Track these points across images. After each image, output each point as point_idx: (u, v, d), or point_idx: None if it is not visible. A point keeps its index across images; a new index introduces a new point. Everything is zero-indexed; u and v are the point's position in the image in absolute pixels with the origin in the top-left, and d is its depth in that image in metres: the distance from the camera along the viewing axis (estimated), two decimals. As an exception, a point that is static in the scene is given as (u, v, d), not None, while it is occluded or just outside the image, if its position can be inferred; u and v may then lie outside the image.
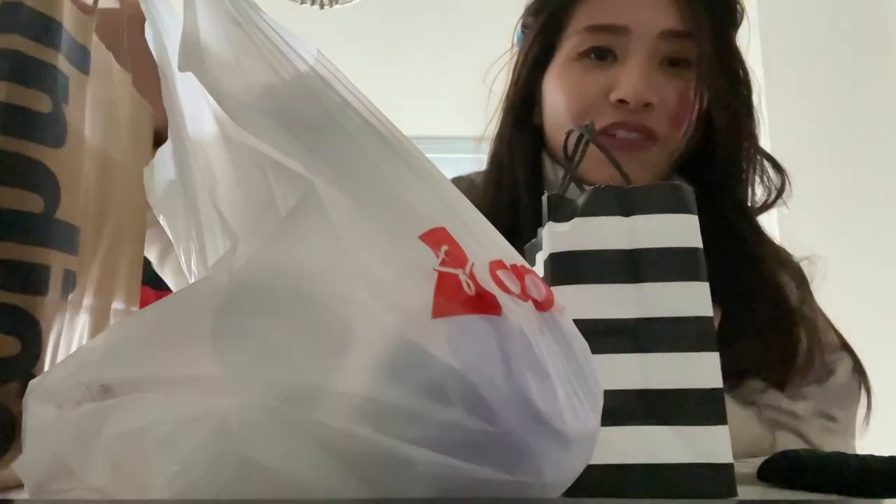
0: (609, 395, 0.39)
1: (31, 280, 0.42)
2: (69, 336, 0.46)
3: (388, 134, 0.36)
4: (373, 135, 0.35)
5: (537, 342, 0.31)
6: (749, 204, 0.74)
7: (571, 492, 0.39)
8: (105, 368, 0.30)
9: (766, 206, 0.74)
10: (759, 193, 0.74)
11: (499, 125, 0.79)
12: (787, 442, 0.62)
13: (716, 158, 0.71)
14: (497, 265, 0.32)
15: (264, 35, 0.35)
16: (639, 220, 0.44)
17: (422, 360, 0.28)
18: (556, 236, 0.44)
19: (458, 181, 0.81)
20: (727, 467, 0.39)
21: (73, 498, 0.29)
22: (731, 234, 0.69)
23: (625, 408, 0.40)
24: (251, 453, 0.27)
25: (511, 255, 0.34)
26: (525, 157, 0.74)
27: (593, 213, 0.44)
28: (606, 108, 0.68)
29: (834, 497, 0.39)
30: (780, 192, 0.73)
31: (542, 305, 0.33)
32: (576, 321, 0.39)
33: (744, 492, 0.43)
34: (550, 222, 0.45)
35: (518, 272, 0.33)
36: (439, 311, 0.29)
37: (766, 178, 0.73)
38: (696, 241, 0.44)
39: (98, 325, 0.50)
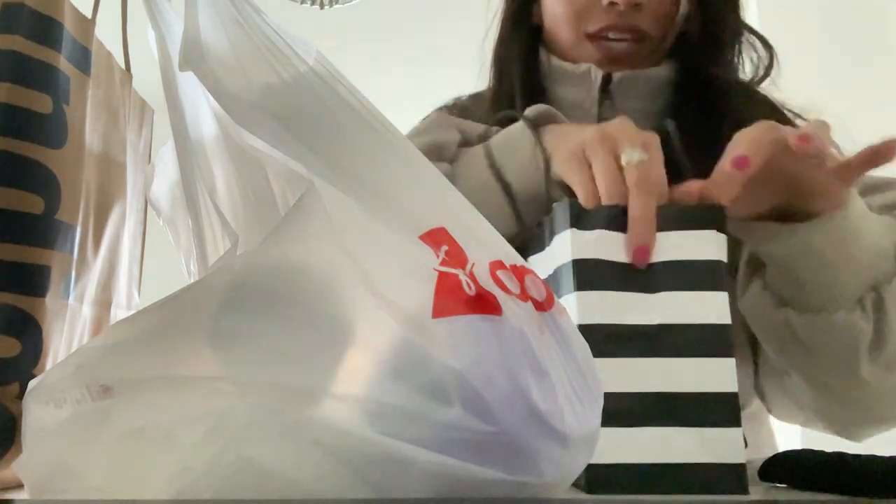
0: (630, 397, 0.42)
1: (32, 281, 0.42)
2: (69, 336, 0.46)
3: (388, 134, 0.36)
4: (373, 135, 0.35)
5: (537, 342, 0.31)
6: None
7: (592, 489, 0.41)
8: (105, 368, 0.30)
9: (754, 83, 0.77)
10: (748, 70, 0.78)
11: (499, 27, 0.83)
12: None
13: (704, 38, 0.75)
14: (497, 265, 0.32)
15: (265, 35, 0.36)
16: (669, 237, 0.46)
17: (422, 360, 0.28)
18: (582, 244, 0.45)
19: (451, 108, 0.85)
20: (741, 467, 0.42)
21: (73, 498, 0.29)
22: (723, 101, 0.73)
23: (646, 410, 0.42)
24: (251, 453, 0.27)
25: (511, 255, 0.34)
26: (523, 53, 0.79)
27: (618, 230, 0.46)
28: (598, 11, 0.72)
29: (835, 497, 0.39)
30: (769, 68, 0.76)
31: (542, 306, 0.33)
32: (597, 325, 0.42)
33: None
34: (574, 229, 0.46)
35: (518, 272, 0.33)
36: (439, 311, 0.29)
37: (753, 56, 0.77)
38: (720, 254, 0.46)
39: (98, 325, 0.50)
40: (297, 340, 0.28)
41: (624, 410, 0.42)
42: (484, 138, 0.70)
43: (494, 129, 0.71)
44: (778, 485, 0.44)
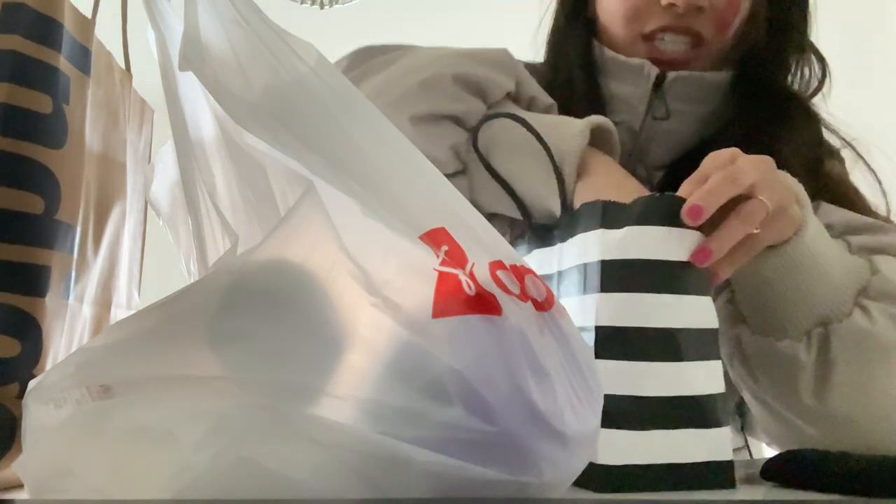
0: (634, 400, 0.43)
1: (32, 281, 0.42)
2: (69, 336, 0.46)
3: (388, 134, 0.36)
4: (373, 135, 0.35)
5: (537, 342, 0.31)
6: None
7: (601, 489, 0.42)
8: (105, 368, 0.30)
9: (807, 97, 0.76)
10: (800, 85, 0.76)
11: (553, 20, 0.82)
12: (889, 263, 0.59)
13: (769, 48, 0.72)
14: (497, 265, 0.32)
15: (265, 35, 0.36)
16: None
17: (422, 359, 0.28)
18: (609, 244, 0.46)
19: (526, 66, 0.83)
20: (729, 464, 0.44)
21: (73, 498, 0.29)
22: (780, 120, 0.71)
23: (649, 412, 0.43)
24: (251, 453, 0.27)
25: (511, 255, 0.34)
26: (579, 46, 0.77)
27: (647, 223, 0.46)
28: (656, 10, 0.69)
29: (837, 497, 0.39)
30: (822, 83, 0.74)
31: (542, 306, 0.33)
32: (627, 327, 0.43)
33: (747, 491, 0.44)
34: (603, 229, 0.46)
35: (518, 272, 0.33)
36: (439, 311, 0.29)
37: (807, 72, 0.75)
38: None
39: (98, 325, 0.50)
40: (297, 340, 0.28)
41: (635, 413, 0.43)
42: (547, 112, 0.69)
43: (556, 110, 0.70)
44: (780, 485, 0.44)
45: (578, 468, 0.33)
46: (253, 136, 0.33)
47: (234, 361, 0.29)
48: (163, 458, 0.28)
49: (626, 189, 0.58)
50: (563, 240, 0.51)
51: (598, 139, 0.63)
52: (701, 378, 0.45)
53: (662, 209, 0.46)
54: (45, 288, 0.42)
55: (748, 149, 0.53)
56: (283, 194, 0.36)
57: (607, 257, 0.45)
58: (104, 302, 0.51)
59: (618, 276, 0.45)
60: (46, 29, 0.44)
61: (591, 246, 0.47)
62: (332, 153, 0.33)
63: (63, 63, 0.45)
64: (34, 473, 0.30)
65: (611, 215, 0.46)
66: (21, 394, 0.39)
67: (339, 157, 0.33)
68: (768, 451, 0.82)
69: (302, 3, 1.89)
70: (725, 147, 0.53)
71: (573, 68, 0.76)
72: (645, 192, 0.59)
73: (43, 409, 0.31)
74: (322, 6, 1.94)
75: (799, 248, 0.54)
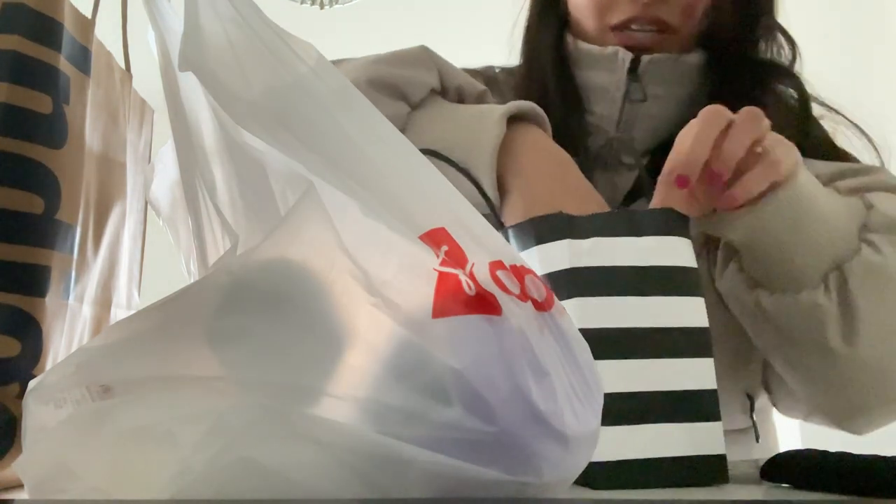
0: (622, 397, 0.44)
1: (32, 281, 0.42)
2: (69, 336, 0.46)
3: (388, 134, 0.36)
4: (373, 135, 0.35)
5: (537, 342, 0.31)
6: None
7: (598, 486, 0.42)
8: (105, 368, 0.30)
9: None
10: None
11: (527, 17, 0.84)
12: (883, 199, 0.60)
13: (738, 28, 0.74)
14: (497, 265, 0.32)
15: (264, 35, 0.36)
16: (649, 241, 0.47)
17: (422, 359, 0.28)
18: (580, 253, 0.47)
19: (476, 73, 0.85)
20: (721, 458, 0.45)
21: (73, 498, 0.29)
22: (760, 79, 0.73)
23: (640, 409, 0.44)
24: (251, 453, 0.27)
25: (511, 255, 0.34)
26: (551, 41, 0.79)
27: (611, 234, 0.47)
28: (623, 2, 0.71)
29: (837, 497, 0.39)
30: (792, 63, 0.76)
31: (542, 306, 0.33)
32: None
33: (747, 491, 0.44)
34: (570, 240, 0.47)
35: (518, 272, 0.33)
36: (439, 311, 0.29)
37: (778, 51, 0.77)
38: (692, 261, 0.48)
39: (98, 325, 0.50)
40: (297, 340, 0.28)
41: (623, 409, 0.44)
42: (479, 101, 0.70)
43: (490, 96, 0.71)
44: (780, 485, 0.44)
45: (578, 468, 0.33)
46: (253, 135, 0.33)
47: (234, 361, 0.29)
48: (163, 458, 0.28)
49: (556, 192, 0.58)
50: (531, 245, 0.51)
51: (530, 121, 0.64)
52: (691, 374, 0.46)
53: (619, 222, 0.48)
54: (45, 288, 0.42)
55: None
56: (283, 194, 0.36)
57: (576, 265, 0.46)
58: (104, 302, 0.51)
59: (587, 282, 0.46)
60: (46, 29, 0.44)
61: (560, 255, 0.48)
62: (331, 153, 0.33)
63: (63, 63, 0.45)
64: (34, 473, 0.30)
65: (576, 228, 0.47)
66: (21, 394, 0.39)
67: (339, 157, 0.33)
68: (784, 439, 0.83)
69: (302, 3, 1.89)
70: None
71: (546, 63, 0.78)
72: (575, 181, 0.60)
73: (43, 409, 0.31)
74: (322, 6, 1.94)
75: (795, 190, 0.55)
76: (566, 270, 0.46)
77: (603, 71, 0.73)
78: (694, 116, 0.61)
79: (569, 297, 0.46)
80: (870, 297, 0.56)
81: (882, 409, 0.62)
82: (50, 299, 0.43)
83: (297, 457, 0.27)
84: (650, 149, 0.74)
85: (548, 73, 0.77)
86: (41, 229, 0.43)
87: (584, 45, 0.75)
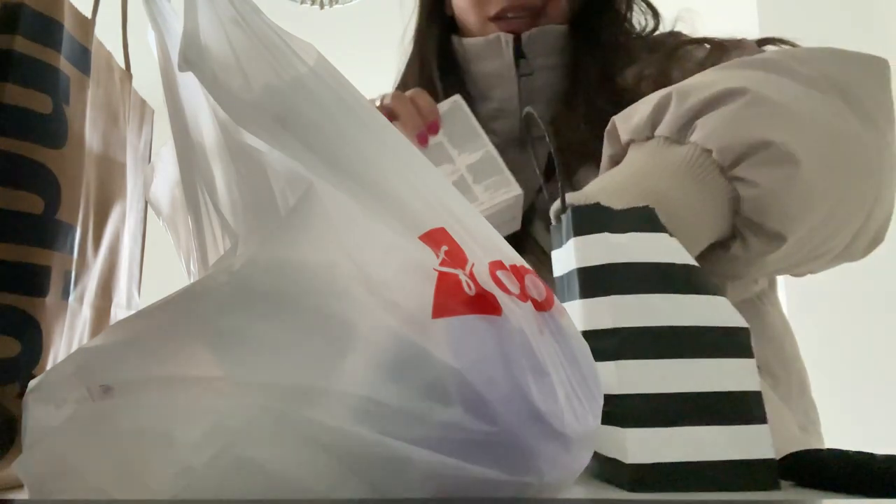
0: (663, 397, 0.43)
1: (32, 281, 0.42)
2: (69, 336, 0.46)
3: (388, 134, 0.36)
4: (372, 135, 0.35)
5: (537, 342, 0.31)
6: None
7: (633, 488, 0.41)
8: (105, 368, 0.30)
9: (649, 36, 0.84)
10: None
11: (417, 21, 0.91)
12: (706, 120, 0.54)
13: (596, 2, 0.82)
14: (497, 265, 0.32)
15: (264, 35, 0.36)
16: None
17: (422, 360, 0.28)
18: (587, 251, 0.46)
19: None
20: (770, 462, 0.43)
21: (73, 498, 0.29)
22: (615, 55, 0.80)
23: (680, 410, 0.43)
24: (251, 453, 0.27)
25: (510, 255, 0.34)
26: (437, 40, 0.86)
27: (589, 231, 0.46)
28: None
29: (837, 497, 0.39)
30: (655, 29, 0.84)
31: (542, 306, 0.33)
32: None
33: (764, 493, 0.43)
34: (577, 237, 0.47)
35: (518, 272, 0.33)
36: (439, 311, 0.29)
37: (642, 20, 0.84)
38: (688, 258, 0.47)
39: (98, 325, 0.50)
40: (297, 340, 0.28)
41: (663, 410, 0.43)
42: None
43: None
44: (798, 485, 0.44)
45: (579, 468, 0.33)
46: (253, 135, 0.33)
47: (234, 361, 0.29)
48: (163, 459, 0.28)
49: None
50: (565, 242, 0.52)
51: None
52: (733, 375, 0.45)
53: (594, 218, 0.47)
54: (45, 288, 0.42)
55: (603, 85, 0.62)
56: (283, 194, 0.36)
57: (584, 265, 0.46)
58: (104, 302, 0.51)
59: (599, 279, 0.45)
60: (46, 29, 0.44)
61: (572, 253, 0.47)
62: (331, 153, 0.33)
63: (63, 63, 0.45)
64: (34, 473, 0.30)
65: (585, 224, 0.46)
66: (21, 394, 0.39)
67: (339, 157, 0.33)
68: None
69: (302, 3, 1.89)
70: (587, 92, 0.66)
71: (433, 62, 0.85)
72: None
73: (43, 409, 0.31)
74: (322, 6, 1.94)
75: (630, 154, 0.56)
76: (601, 266, 0.46)
77: (492, 58, 0.80)
78: (577, 83, 0.66)
79: (605, 294, 0.45)
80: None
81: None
82: (50, 299, 0.43)
83: (296, 457, 0.27)
84: (549, 118, 0.80)
85: (437, 70, 0.84)
86: (41, 229, 0.43)
87: (468, 40, 0.81)
